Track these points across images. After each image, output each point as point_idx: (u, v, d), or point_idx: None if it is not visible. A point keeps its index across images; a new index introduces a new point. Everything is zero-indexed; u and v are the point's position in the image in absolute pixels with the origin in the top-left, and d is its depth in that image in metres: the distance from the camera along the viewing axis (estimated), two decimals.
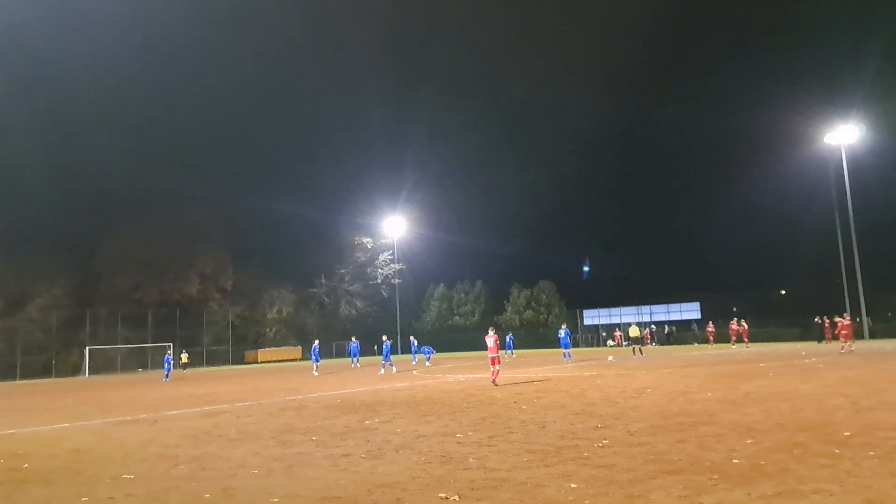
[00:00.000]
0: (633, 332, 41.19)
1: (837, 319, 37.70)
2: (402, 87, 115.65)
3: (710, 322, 53.49)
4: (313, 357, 37.89)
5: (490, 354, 22.12)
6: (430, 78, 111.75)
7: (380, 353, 55.13)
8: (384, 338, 36.87)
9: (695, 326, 62.59)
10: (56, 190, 66.60)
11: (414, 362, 44.77)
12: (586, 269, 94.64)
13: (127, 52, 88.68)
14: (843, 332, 35.52)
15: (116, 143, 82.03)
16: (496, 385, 21.05)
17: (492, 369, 21.86)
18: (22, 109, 64.66)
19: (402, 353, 66.51)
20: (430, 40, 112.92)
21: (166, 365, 40.58)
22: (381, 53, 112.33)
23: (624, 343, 62.66)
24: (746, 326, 47.91)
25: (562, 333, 36.86)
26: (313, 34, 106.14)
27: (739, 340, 47.09)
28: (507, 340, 53.65)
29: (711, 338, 51.90)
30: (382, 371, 33.45)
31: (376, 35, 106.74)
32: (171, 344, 60.81)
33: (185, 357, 57.81)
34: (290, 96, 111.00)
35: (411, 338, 49.93)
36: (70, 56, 72.17)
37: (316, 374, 35.16)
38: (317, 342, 39.89)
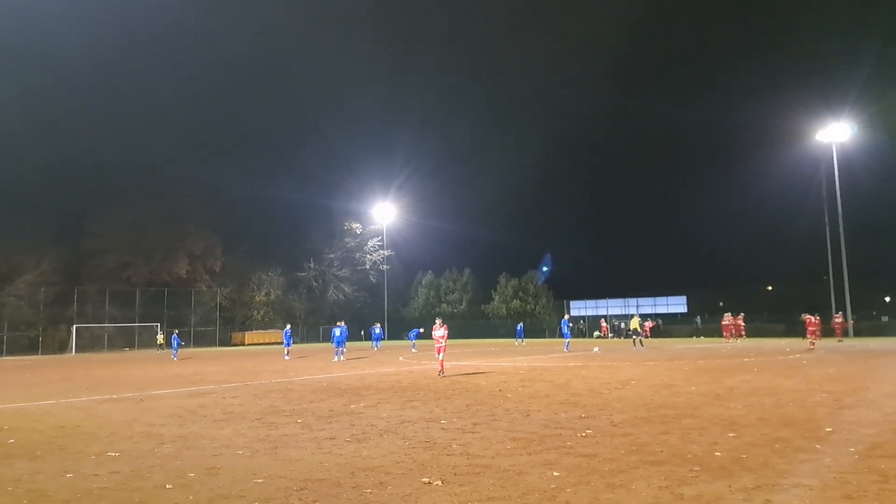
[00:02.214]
0: (634, 323, 41.34)
1: (805, 317, 37.24)
2: (395, 74, 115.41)
3: (729, 315, 46.41)
4: (285, 341, 37.92)
5: (437, 344, 21.50)
6: (423, 65, 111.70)
7: (367, 338, 55.17)
8: (340, 323, 36.48)
9: (697, 319, 61.21)
10: (46, 166, 66.31)
11: (376, 348, 44.97)
12: (545, 269, 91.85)
13: (121, 32, 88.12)
14: (811, 328, 35.63)
15: (108, 121, 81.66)
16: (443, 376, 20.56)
17: (439, 358, 21.25)
18: (13, 86, 64.11)
19: (390, 339, 66.75)
20: (425, 28, 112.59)
21: (174, 344, 40.59)
22: (374, 41, 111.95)
23: (609, 335, 62.93)
24: (728, 322, 45.81)
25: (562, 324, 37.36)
26: (307, 19, 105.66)
27: (740, 336, 45.23)
28: (518, 329, 54.27)
29: (736, 331, 45.38)
30: (336, 358, 32.56)
31: (369, 22, 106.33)
32: (159, 324, 60.79)
33: (160, 338, 57.76)
34: (282, 80, 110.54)
35: (376, 325, 49.84)
36: (62, 32, 71.41)
37: (287, 357, 35.26)
38: (288, 326, 39.93)
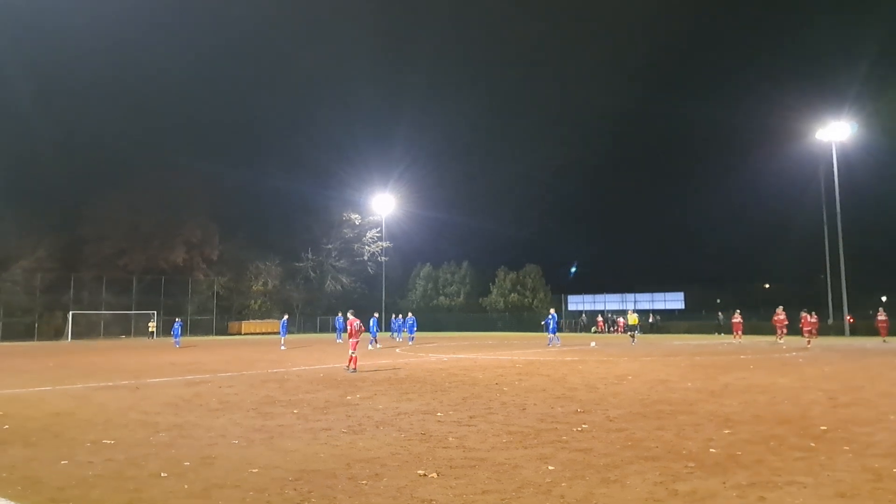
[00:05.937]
0: (632, 319, 41.18)
1: (803, 314, 36.66)
2: (396, 64, 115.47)
3: (780, 309, 40.09)
4: (282, 331, 38.26)
5: (351, 339, 20.53)
6: (424, 56, 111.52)
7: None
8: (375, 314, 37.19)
9: (720, 314, 59.63)
10: (44, 151, 66.06)
11: (398, 339, 45.14)
12: (573, 270, 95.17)
13: (121, 18, 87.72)
14: (806, 328, 35.47)
15: (106, 108, 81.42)
16: (354, 372, 19.62)
17: (350, 354, 20.23)
18: (11, 72, 63.84)
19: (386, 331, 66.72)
20: (425, 19, 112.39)
21: (176, 331, 40.69)
22: (375, 29, 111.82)
23: (595, 329, 63.08)
24: (741, 320, 43.05)
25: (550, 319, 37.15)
26: (307, 7, 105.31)
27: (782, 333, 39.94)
28: (548, 321, 54.49)
29: (780, 328, 39.57)
30: (371, 346, 33.68)
31: (370, 11, 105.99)
32: (155, 312, 60.73)
33: (151, 326, 57.71)
34: (282, 69, 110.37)
35: (395, 315, 49.97)
36: (58, 21, 71.28)
37: (283, 347, 35.74)
38: (286, 316, 40.18)
